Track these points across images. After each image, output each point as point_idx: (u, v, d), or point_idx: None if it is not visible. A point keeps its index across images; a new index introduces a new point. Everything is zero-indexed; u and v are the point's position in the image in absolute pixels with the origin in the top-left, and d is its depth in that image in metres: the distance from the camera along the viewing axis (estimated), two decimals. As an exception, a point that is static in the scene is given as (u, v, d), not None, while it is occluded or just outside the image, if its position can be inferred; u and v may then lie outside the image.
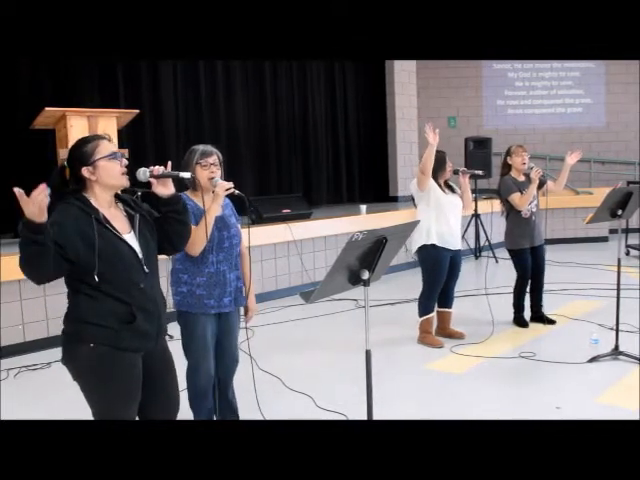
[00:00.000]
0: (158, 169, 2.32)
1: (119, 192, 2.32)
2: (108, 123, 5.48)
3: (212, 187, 2.92)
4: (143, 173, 2.32)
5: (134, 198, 2.38)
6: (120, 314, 2.19)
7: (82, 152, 2.20)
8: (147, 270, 2.25)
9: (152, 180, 2.31)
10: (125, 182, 2.24)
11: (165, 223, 2.35)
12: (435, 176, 4.70)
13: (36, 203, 1.88)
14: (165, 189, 2.33)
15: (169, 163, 2.38)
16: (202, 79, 8.59)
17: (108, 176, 2.20)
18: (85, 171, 2.19)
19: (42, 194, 1.88)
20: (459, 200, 4.82)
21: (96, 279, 2.12)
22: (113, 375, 2.20)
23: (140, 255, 2.24)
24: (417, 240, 4.74)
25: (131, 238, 2.25)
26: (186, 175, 2.45)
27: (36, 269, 2.04)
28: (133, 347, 2.23)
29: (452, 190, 4.85)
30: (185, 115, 8.42)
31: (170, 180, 2.34)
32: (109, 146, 2.24)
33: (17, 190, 1.85)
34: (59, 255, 2.05)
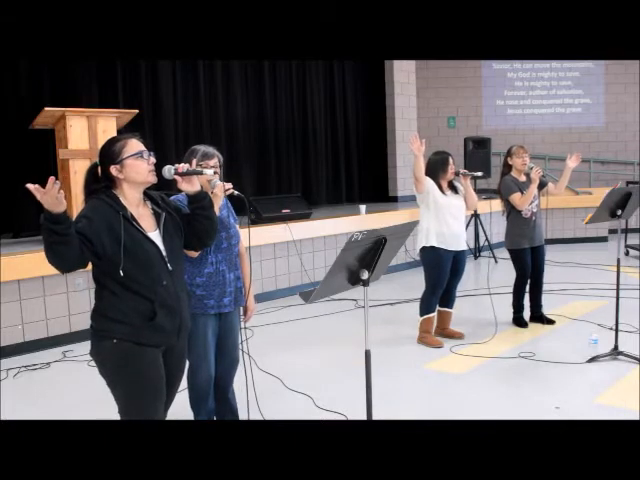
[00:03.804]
0: (183, 167, 2.40)
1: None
2: (107, 123, 5.48)
3: (211, 189, 2.92)
4: (168, 171, 2.40)
5: (162, 195, 2.44)
6: (142, 311, 2.25)
7: (111, 151, 2.28)
8: (170, 268, 2.31)
9: (177, 177, 2.39)
10: (152, 179, 2.31)
11: (193, 219, 2.43)
12: (436, 177, 4.72)
13: (52, 194, 1.94)
14: (190, 186, 2.40)
15: (194, 161, 2.49)
16: (202, 79, 8.59)
17: (135, 174, 2.27)
18: (113, 169, 2.26)
19: (55, 186, 1.94)
20: (460, 201, 4.81)
21: (121, 274, 2.18)
22: (134, 369, 2.26)
23: (164, 253, 2.30)
24: (419, 241, 4.81)
25: (156, 236, 2.31)
26: (209, 172, 2.54)
27: (59, 258, 2.09)
28: (153, 342, 2.29)
29: (456, 191, 4.85)
30: (184, 115, 8.42)
31: (195, 177, 2.42)
32: (137, 145, 2.30)
33: (30, 185, 1.92)
34: (86, 247, 2.12)
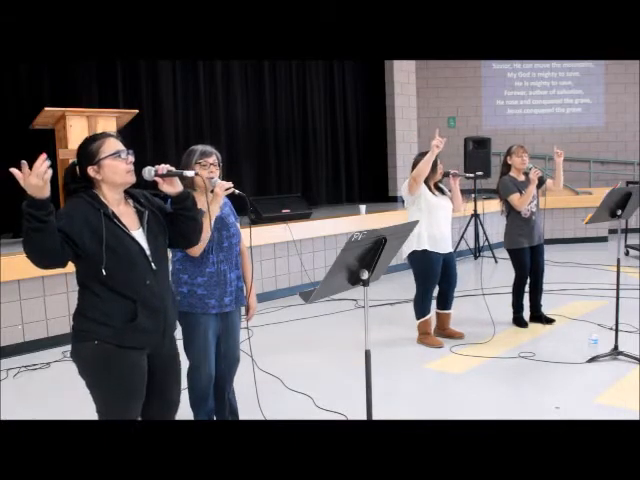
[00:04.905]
0: (163, 168, 2.32)
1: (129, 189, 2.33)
2: (107, 123, 5.48)
3: (211, 187, 2.93)
4: (148, 172, 2.32)
5: (145, 193, 2.38)
6: (124, 312, 2.20)
7: (88, 151, 2.22)
8: (154, 267, 2.26)
9: (158, 179, 2.32)
10: (131, 179, 2.25)
11: (177, 220, 2.37)
12: (426, 179, 4.69)
13: (39, 174, 1.88)
14: (172, 187, 2.34)
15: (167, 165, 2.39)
16: (202, 79, 8.59)
17: (112, 174, 2.21)
18: (91, 170, 2.21)
19: (44, 165, 1.88)
20: (449, 202, 4.80)
21: (104, 273, 2.13)
22: (116, 373, 2.22)
23: (148, 252, 2.25)
24: (408, 245, 4.70)
25: (139, 235, 2.26)
26: (190, 173, 2.47)
27: (38, 249, 2.02)
28: (136, 345, 2.24)
29: (442, 192, 4.84)
30: (184, 115, 8.42)
31: (177, 178, 2.35)
32: (114, 144, 2.23)
33: (14, 170, 1.86)
34: (67, 245, 2.07)
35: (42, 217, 1.94)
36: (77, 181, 2.24)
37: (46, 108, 5.28)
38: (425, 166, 4.48)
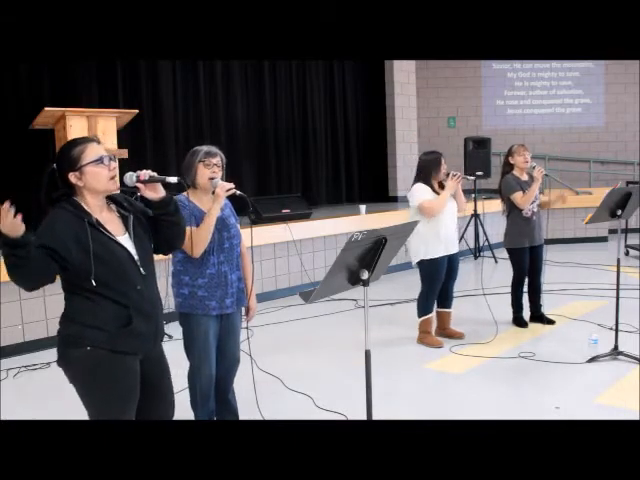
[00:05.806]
0: (145, 174, 2.24)
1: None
2: (107, 123, 5.47)
3: (212, 187, 2.93)
4: (129, 178, 2.25)
5: (127, 197, 2.33)
6: (118, 317, 2.17)
7: (69, 157, 2.16)
8: (144, 272, 2.23)
9: (139, 185, 2.25)
10: (113, 187, 2.20)
11: (159, 226, 2.31)
12: (429, 178, 4.70)
13: (6, 223, 1.84)
14: (154, 193, 2.26)
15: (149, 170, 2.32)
16: (202, 79, 8.59)
17: (95, 182, 2.15)
18: (72, 177, 2.15)
19: (9, 214, 1.83)
20: (453, 202, 4.80)
21: (93, 283, 2.10)
22: (110, 379, 2.18)
23: (136, 257, 2.22)
24: (416, 253, 4.74)
25: (126, 240, 2.22)
26: (173, 180, 2.34)
27: (21, 280, 2.04)
28: (131, 350, 2.21)
29: None
30: (184, 115, 8.42)
31: (159, 184, 2.28)
32: (97, 150, 2.18)
33: None
34: (52, 260, 2.03)
35: (22, 254, 1.91)
36: (57, 187, 2.18)
37: (46, 108, 5.28)
38: (442, 202, 4.61)
